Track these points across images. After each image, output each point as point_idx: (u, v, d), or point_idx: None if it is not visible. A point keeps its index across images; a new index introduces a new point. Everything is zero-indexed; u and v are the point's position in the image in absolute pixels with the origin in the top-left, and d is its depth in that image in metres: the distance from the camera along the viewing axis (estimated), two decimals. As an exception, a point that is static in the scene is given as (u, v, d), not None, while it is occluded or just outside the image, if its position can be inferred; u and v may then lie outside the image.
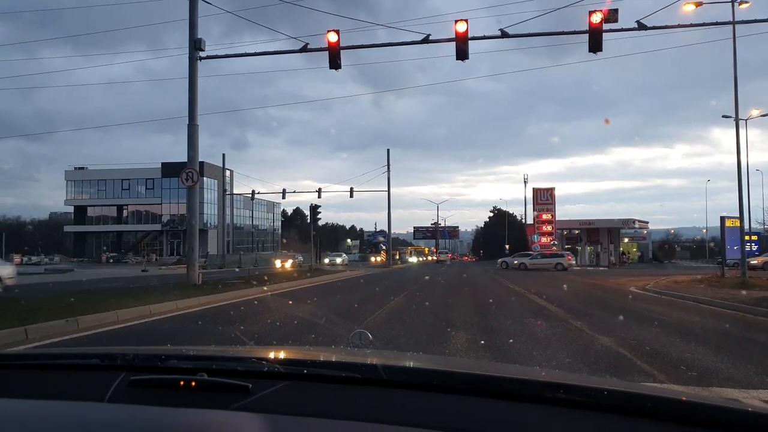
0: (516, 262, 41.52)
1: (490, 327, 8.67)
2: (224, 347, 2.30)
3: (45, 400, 1.23)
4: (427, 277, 25.98)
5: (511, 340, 7.33)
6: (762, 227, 45.52)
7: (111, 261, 59.57)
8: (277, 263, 39.42)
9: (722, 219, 23.80)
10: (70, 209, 70.90)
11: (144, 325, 9.02)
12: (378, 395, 1.17)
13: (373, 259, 66.77)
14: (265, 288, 16.17)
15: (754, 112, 28.92)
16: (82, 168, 69.41)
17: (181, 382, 1.20)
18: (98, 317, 8.96)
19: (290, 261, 40.06)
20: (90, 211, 69.59)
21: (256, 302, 12.96)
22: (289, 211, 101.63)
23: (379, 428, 1.03)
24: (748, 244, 23.32)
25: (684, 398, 1.14)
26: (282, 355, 1.51)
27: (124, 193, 68.08)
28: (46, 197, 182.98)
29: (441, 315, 10.44)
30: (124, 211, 69.37)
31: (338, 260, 52.06)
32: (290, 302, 13.16)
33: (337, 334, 7.56)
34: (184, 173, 16.44)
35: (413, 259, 76.76)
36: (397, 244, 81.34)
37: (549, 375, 1.59)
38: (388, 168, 50.05)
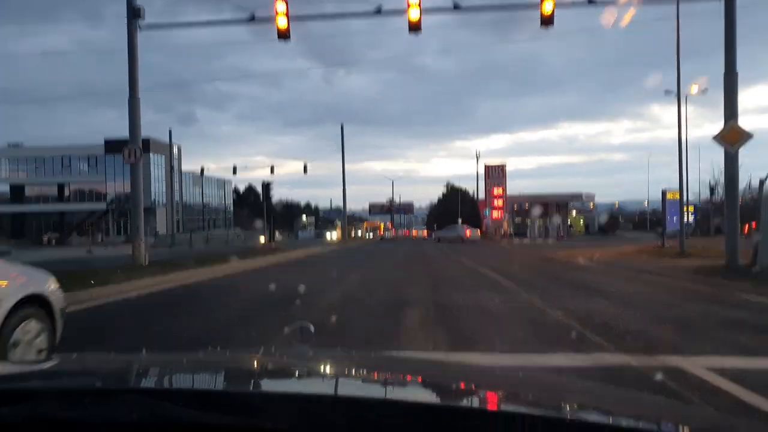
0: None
1: (442, 302, 8.69)
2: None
3: None
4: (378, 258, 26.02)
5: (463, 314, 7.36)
6: (698, 199, 48.16)
7: (53, 243, 56.68)
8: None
9: (663, 192, 24.90)
10: (6, 188, 66.74)
11: (81, 313, 8.54)
12: None
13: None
14: (215, 268, 15.73)
15: (694, 88, 30.14)
16: (17, 145, 65.21)
17: None
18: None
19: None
20: (28, 191, 65.71)
21: (204, 284, 12.64)
22: (242, 188, 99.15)
23: None
24: (686, 215, 24.52)
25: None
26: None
27: (65, 170, 64.53)
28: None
29: (394, 287, 10.40)
30: (66, 190, 65.87)
31: None
32: (241, 284, 12.86)
33: (288, 316, 7.37)
34: (126, 150, 15.66)
35: (369, 235, 76.41)
36: (353, 220, 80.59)
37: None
38: (342, 144, 49.60)
